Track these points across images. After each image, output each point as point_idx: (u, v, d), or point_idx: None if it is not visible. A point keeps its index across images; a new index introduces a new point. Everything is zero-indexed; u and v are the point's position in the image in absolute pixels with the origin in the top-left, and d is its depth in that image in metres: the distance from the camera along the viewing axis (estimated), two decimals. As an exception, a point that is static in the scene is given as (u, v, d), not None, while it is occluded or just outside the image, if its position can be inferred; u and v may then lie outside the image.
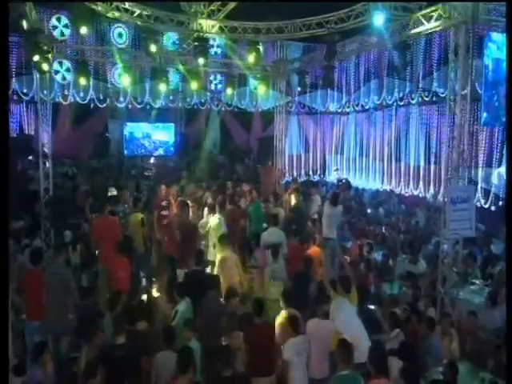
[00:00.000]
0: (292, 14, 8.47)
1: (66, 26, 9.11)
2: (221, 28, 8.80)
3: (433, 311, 5.87)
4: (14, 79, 14.21)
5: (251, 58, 8.68)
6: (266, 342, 4.29)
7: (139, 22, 8.00)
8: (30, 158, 13.52)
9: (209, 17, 8.66)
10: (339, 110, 18.83)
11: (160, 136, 16.73)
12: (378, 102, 16.34)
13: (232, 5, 8.43)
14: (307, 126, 19.79)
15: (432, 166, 13.68)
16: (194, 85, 10.71)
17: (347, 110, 18.43)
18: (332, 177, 18.57)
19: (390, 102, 15.73)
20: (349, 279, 4.64)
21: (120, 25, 8.87)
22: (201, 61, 8.37)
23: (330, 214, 6.79)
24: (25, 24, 6.49)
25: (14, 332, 4.15)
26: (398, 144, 15.58)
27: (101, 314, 4.56)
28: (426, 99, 14.02)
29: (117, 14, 7.66)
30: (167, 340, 4.13)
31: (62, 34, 9.34)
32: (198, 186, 9.08)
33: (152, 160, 15.57)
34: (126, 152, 15.74)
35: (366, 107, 17.11)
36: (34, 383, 3.56)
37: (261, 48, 8.67)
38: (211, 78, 13.34)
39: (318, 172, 19.54)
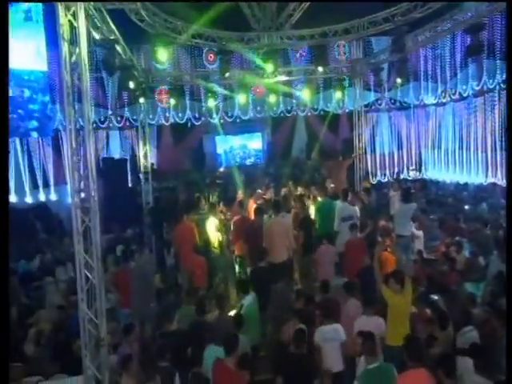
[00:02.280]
0: (358, 13, 8.50)
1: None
2: (289, 38, 9.21)
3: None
4: (126, 108, 16.60)
5: (319, 62, 8.90)
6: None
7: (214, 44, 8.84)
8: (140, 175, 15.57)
9: (277, 30, 9.14)
10: (434, 102, 17.60)
11: (249, 146, 17.79)
12: (478, 88, 14.87)
13: (297, 16, 8.79)
14: (399, 122, 18.93)
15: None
16: (276, 95, 11.31)
17: (443, 101, 17.12)
18: (411, 175, 17.54)
19: (492, 86, 14.22)
20: (401, 274, 4.58)
21: (213, 49, 9.87)
22: (280, 70, 8.94)
23: (401, 212, 6.63)
24: (118, 62, 7.72)
25: (112, 318, 5.08)
26: (504, 132, 13.95)
27: (178, 305, 5.30)
28: (536, 77, 12.37)
29: (194, 41, 8.60)
30: (237, 326, 4.70)
31: (162, 64, 10.78)
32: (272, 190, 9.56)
33: (222, 169, 16.45)
34: (217, 164, 17.07)
35: (465, 95, 15.71)
36: (123, 356, 4.37)
37: (328, 50, 8.84)
38: (295, 84, 13.82)
39: (414, 169, 18.53)
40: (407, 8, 7.57)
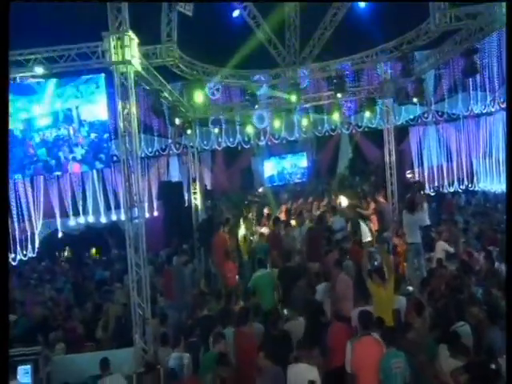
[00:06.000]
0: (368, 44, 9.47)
1: (217, 89, 12.05)
2: (312, 71, 10.39)
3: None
4: (183, 137, 18.62)
5: (338, 89, 9.90)
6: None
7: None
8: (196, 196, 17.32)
9: (301, 64, 10.38)
10: (484, 111, 17.42)
11: (298, 165, 18.93)
12: (527, 94, 14.61)
13: (317, 50, 9.97)
14: (448, 134, 18.87)
15: None
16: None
17: (492, 110, 16.95)
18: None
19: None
20: (382, 271, 5.42)
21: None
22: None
23: (408, 222, 7.33)
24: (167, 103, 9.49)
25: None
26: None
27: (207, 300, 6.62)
28: None
29: (227, 80, 10.14)
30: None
31: (213, 95, 12.41)
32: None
33: (261, 189, 17.48)
34: (264, 184, 18.38)
35: (514, 102, 15.48)
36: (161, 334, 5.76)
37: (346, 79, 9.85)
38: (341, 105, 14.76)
39: (466, 181, 18.30)
40: (412, 37, 8.42)
